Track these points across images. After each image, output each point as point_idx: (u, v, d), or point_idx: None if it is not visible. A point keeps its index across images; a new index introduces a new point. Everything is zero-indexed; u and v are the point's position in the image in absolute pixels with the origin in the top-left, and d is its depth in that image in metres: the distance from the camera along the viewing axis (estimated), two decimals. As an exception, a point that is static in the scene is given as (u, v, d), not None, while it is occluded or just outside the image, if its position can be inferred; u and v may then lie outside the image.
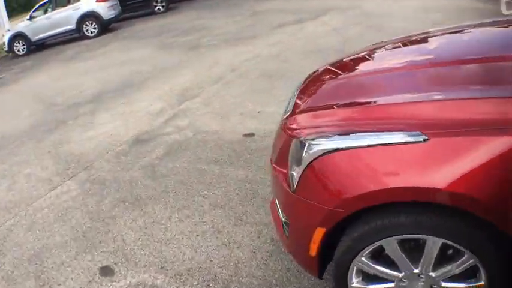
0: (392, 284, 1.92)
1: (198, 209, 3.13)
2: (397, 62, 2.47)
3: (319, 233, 1.90)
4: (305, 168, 1.89)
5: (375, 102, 2.01)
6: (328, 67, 2.72)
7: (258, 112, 4.50)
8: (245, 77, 5.74)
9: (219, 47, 7.71)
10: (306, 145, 1.88)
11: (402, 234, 1.76)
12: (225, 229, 2.89)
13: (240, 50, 7.29)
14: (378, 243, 1.79)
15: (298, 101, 2.35)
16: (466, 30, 2.81)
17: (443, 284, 1.85)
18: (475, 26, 2.85)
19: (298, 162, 1.92)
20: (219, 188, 3.32)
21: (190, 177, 3.55)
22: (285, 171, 2.07)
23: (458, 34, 2.79)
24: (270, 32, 8.39)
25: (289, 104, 2.44)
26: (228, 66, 6.39)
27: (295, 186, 1.95)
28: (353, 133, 1.82)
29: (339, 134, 1.86)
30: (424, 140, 1.64)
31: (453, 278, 1.82)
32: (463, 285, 1.83)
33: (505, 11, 11.41)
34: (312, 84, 2.56)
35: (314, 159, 1.85)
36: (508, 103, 1.63)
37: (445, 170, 1.61)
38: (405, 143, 1.67)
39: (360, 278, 1.96)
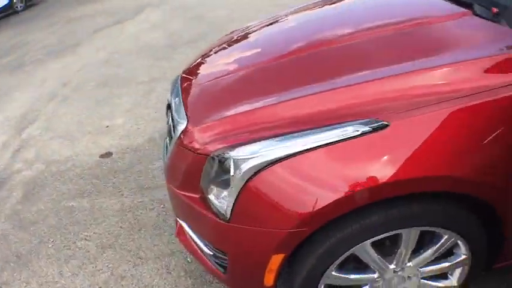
0: (366, 287, 1.76)
1: (86, 256, 2.72)
2: (278, 48, 2.18)
3: (276, 260, 1.58)
4: (240, 190, 1.53)
5: (291, 95, 1.65)
6: (203, 63, 2.39)
7: (107, 127, 4.21)
8: (81, 89, 5.45)
9: (44, 62, 7.17)
10: (232, 162, 1.53)
11: (376, 235, 1.54)
12: (127, 273, 2.50)
13: (67, 61, 6.92)
14: (349, 252, 1.56)
15: (188, 111, 1.93)
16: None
17: (424, 269, 1.74)
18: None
19: (224, 184, 1.58)
20: (98, 224, 2.91)
21: (60, 219, 3.09)
22: (197, 196, 1.74)
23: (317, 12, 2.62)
24: (93, 37, 8.09)
25: (170, 115, 2.14)
26: (59, 81, 6.00)
27: (228, 214, 1.58)
28: (281, 135, 1.52)
29: (268, 139, 1.53)
30: (384, 127, 1.44)
31: (432, 262, 1.72)
32: (446, 264, 1.74)
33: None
34: (194, 88, 2.14)
35: (250, 178, 1.50)
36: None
37: (419, 153, 1.42)
38: (362, 134, 1.43)
39: None
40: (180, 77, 2.31)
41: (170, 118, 2.13)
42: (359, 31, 1.99)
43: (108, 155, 3.68)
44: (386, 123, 1.42)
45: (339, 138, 1.43)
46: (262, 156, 1.48)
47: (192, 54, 5.46)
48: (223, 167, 1.57)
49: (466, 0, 1.96)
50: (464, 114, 1.43)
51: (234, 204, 1.55)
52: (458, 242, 1.65)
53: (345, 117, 1.47)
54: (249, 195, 1.52)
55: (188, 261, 2.42)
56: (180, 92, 2.12)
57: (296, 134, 1.49)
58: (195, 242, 1.93)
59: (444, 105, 1.43)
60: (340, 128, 1.45)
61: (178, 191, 1.85)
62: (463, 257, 1.71)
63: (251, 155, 1.50)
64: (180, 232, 2.06)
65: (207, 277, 2.30)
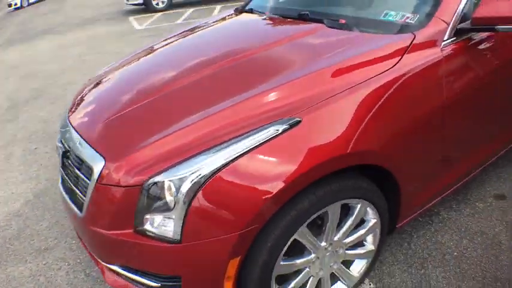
0: (308, 269, 1.92)
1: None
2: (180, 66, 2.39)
3: (232, 266, 1.69)
4: (186, 209, 1.59)
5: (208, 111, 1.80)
6: (87, 103, 2.37)
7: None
8: None
9: None
10: (172, 184, 1.60)
11: (309, 218, 1.73)
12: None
13: None
14: (292, 238, 1.73)
15: (101, 150, 1.88)
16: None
17: (347, 240, 1.99)
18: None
19: (166, 208, 1.64)
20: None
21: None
22: (130, 231, 1.73)
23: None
24: None
25: (68, 162, 2.11)
26: None
27: (179, 235, 1.62)
28: (215, 147, 1.64)
29: (198, 155, 1.63)
30: (298, 122, 1.67)
31: (350, 233, 1.99)
32: (362, 231, 2.02)
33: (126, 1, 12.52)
34: (95, 126, 2.07)
35: (195, 194, 1.58)
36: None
37: (333, 137, 1.70)
38: (283, 131, 1.64)
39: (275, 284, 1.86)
40: (67, 121, 2.26)
41: (69, 164, 2.08)
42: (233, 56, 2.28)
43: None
44: (299, 119, 1.67)
45: (264, 140, 1.62)
46: (198, 171, 1.58)
47: (38, 111, 5.24)
48: (159, 193, 1.63)
49: (315, 17, 2.48)
50: (356, 102, 1.79)
51: (182, 224, 1.60)
52: (368, 209, 1.97)
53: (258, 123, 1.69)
54: (196, 211, 1.59)
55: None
56: (77, 135, 2.07)
57: (224, 145, 1.63)
58: (134, 280, 1.87)
59: (340, 97, 1.77)
60: (263, 130, 1.64)
61: (106, 231, 1.77)
62: (374, 221, 2.03)
63: (188, 173, 1.58)
64: (109, 276, 1.98)
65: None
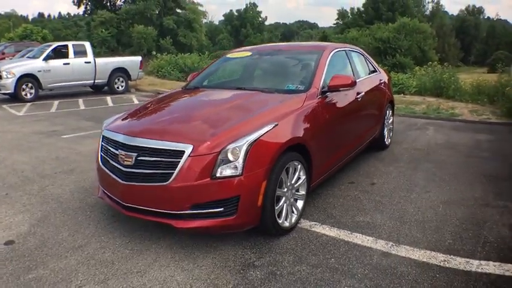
0: (284, 197, 3.74)
1: None
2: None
3: (263, 186, 3.38)
4: (245, 158, 3.27)
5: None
6: (128, 118, 4.26)
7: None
8: None
9: None
10: (234, 149, 3.29)
11: (285, 166, 3.64)
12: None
13: None
14: (280, 177, 3.60)
15: (185, 139, 3.40)
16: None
17: (295, 184, 3.89)
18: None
19: (230, 161, 3.27)
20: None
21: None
22: (207, 180, 3.23)
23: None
24: None
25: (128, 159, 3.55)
26: None
27: (241, 171, 3.26)
28: (246, 135, 3.39)
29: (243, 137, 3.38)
30: (276, 125, 3.61)
31: (296, 181, 3.90)
32: (300, 181, 3.94)
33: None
34: (154, 127, 3.85)
35: (248, 151, 3.30)
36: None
37: (290, 131, 3.79)
38: (273, 127, 3.57)
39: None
40: (112, 131, 3.98)
41: (143, 160, 3.50)
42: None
43: (10, 243, 3.82)
44: (277, 123, 3.70)
45: (269, 129, 3.59)
46: (247, 141, 3.36)
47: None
48: (227, 155, 3.28)
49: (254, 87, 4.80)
50: (292, 120, 3.94)
51: (243, 165, 3.28)
52: (301, 169, 3.93)
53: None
54: (249, 158, 3.30)
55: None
56: (141, 136, 3.59)
57: (254, 131, 3.48)
58: (202, 214, 3.32)
59: (285, 119, 3.89)
60: (269, 125, 3.62)
61: (192, 183, 3.23)
62: (303, 177, 3.99)
63: (244, 142, 3.35)
64: (179, 223, 3.37)
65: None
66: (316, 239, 3.82)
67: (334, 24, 68.90)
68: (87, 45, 15.02)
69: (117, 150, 3.71)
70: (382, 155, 6.67)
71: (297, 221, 3.98)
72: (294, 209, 3.96)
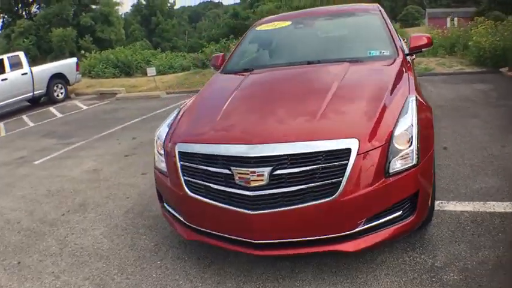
0: None
1: None
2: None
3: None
4: (417, 137, 2.56)
5: None
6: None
7: None
8: None
9: None
10: (404, 134, 2.53)
11: None
12: None
13: None
14: None
15: (351, 134, 2.50)
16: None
17: None
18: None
19: (402, 150, 2.53)
20: None
21: None
22: (382, 180, 2.46)
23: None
24: None
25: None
26: None
27: (417, 160, 2.50)
28: (403, 115, 2.64)
29: None
30: (416, 98, 2.81)
31: None
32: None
33: None
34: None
35: (418, 127, 2.60)
36: None
37: (425, 102, 2.98)
38: (416, 101, 2.79)
39: None
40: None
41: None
42: None
43: None
44: None
45: None
46: (413, 121, 2.60)
47: None
48: (398, 143, 2.51)
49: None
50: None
51: (418, 152, 2.52)
52: None
53: None
54: (420, 140, 2.56)
55: None
56: (272, 141, 2.55)
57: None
58: (378, 225, 2.51)
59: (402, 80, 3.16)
60: None
61: (369, 188, 2.41)
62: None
63: (411, 123, 2.60)
64: (350, 245, 2.54)
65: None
66: (460, 218, 3.29)
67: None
68: (22, 55, 12.73)
69: (227, 168, 2.56)
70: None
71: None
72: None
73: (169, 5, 65.83)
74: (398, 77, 3.12)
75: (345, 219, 2.45)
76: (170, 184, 2.94)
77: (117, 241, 3.62)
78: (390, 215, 2.51)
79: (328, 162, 2.39)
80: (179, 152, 2.83)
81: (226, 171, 2.58)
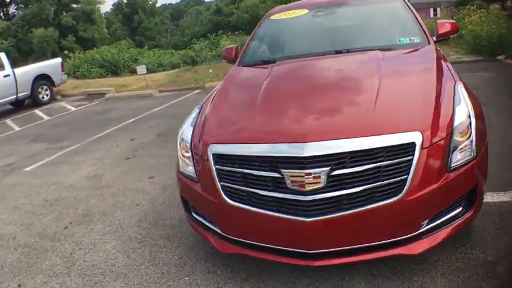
0: None
1: None
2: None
3: None
4: (475, 128, 2.36)
5: None
6: None
7: None
8: None
9: None
10: (463, 126, 2.32)
11: None
12: None
13: None
14: None
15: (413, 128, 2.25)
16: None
17: None
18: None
19: (461, 142, 2.32)
20: None
21: None
22: (446, 175, 2.26)
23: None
24: None
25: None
26: None
27: (475, 152, 2.31)
28: (459, 104, 2.44)
29: None
30: (461, 86, 2.65)
31: None
32: None
33: None
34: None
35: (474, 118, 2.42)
36: None
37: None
38: (463, 88, 2.64)
39: None
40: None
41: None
42: None
43: None
44: None
45: None
46: (469, 111, 2.42)
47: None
48: (458, 135, 2.29)
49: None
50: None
51: (476, 144, 2.32)
52: None
53: None
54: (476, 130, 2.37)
55: None
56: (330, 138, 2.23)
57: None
58: (439, 224, 2.30)
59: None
60: None
61: (438, 183, 2.19)
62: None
63: (467, 113, 2.40)
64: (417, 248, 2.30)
65: None
66: (500, 209, 3.09)
67: (223, -5, 66.53)
68: (3, 56, 11.99)
69: (275, 171, 2.21)
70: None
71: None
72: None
73: (151, 3, 64.85)
74: (438, 64, 2.89)
75: (410, 220, 2.24)
76: (202, 191, 2.54)
77: (134, 256, 3.15)
78: (451, 212, 2.35)
79: (393, 159, 2.13)
80: (213, 154, 2.43)
81: (275, 174, 2.21)
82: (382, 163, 2.12)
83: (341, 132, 2.22)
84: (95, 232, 3.65)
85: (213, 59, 16.44)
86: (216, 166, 2.40)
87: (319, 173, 2.12)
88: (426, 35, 3.40)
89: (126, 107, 10.33)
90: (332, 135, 2.19)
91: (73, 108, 11.43)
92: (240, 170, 2.31)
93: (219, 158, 2.41)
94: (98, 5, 44.51)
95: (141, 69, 13.44)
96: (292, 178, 2.16)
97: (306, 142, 2.16)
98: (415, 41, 3.36)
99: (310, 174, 2.12)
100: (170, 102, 10.05)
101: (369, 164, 2.12)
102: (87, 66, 17.94)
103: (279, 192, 2.22)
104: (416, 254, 2.32)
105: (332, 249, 2.26)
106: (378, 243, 2.26)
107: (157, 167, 5.21)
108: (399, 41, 3.40)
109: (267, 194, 2.25)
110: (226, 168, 2.38)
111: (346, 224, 2.19)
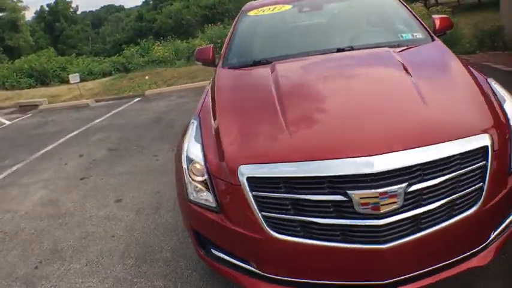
0: None
1: None
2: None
3: None
4: None
5: None
6: None
7: None
8: None
9: None
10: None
11: None
12: None
13: None
14: None
15: None
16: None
17: None
18: None
19: None
20: None
21: None
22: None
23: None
24: None
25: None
26: None
27: None
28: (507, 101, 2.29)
29: None
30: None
31: None
32: None
33: None
34: None
35: None
36: None
37: None
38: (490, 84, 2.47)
39: None
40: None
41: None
42: None
43: None
44: None
45: None
46: None
47: None
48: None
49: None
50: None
51: None
52: None
53: None
54: None
55: None
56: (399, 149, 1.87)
57: None
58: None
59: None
60: None
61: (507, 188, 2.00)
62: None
63: None
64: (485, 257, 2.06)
65: None
66: None
67: (143, 1, 64.77)
68: None
69: (339, 193, 1.81)
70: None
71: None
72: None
73: (72, 10, 61.68)
74: (460, 59, 2.71)
75: (484, 229, 2.03)
76: (230, 224, 2.05)
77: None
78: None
79: (469, 165, 1.88)
80: (248, 178, 1.95)
81: (339, 197, 1.81)
82: (459, 171, 1.85)
83: (408, 140, 1.88)
84: (72, 273, 3.03)
85: (146, 65, 15.65)
86: (253, 193, 1.94)
87: (396, 190, 1.77)
88: (427, 30, 3.22)
89: (64, 119, 9.37)
90: (400, 145, 1.84)
91: (7, 122, 10.19)
92: (289, 195, 1.89)
93: (257, 182, 1.95)
94: (23, 12, 41.75)
95: (74, 77, 12.35)
96: (362, 200, 1.78)
97: (375, 155, 1.80)
98: (417, 36, 3.15)
99: (385, 193, 1.76)
100: (111, 112, 9.24)
101: (447, 174, 1.84)
102: (16, 76, 16.46)
103: (346, 218, 1.84)
104: (482, 266, 2.06)
105: (405, 276, 1.92)
106: (454, 259, 1.97)
107: (120, 187, 4.59)
108: (401, 36, 3.16)
109: (328, 222, 1.86)
110: (268, 194, 1.93)
111: (424, 245, 1.87)
